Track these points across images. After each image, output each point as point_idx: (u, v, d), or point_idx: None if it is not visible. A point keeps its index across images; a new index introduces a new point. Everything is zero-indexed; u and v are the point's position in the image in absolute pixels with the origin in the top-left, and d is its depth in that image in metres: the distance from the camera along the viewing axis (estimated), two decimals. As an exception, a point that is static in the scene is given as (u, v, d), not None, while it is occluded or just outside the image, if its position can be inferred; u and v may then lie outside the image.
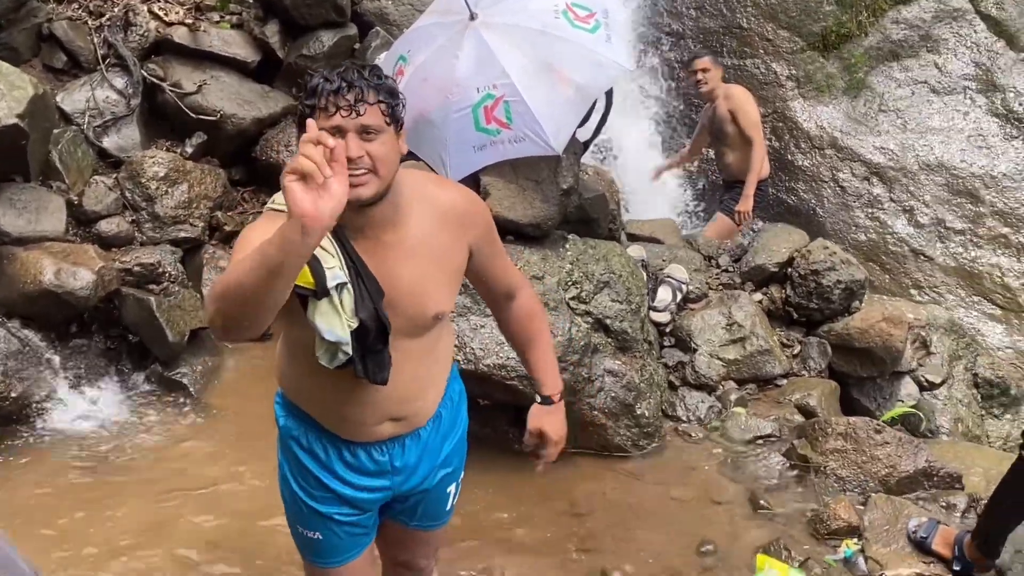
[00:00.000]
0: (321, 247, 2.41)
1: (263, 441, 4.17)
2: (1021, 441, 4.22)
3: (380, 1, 7.11)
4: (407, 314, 2.62)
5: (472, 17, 4.67)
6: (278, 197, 2.51)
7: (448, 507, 3.16)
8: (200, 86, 6.13)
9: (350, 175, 2.24)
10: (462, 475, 3.16)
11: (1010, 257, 7.69)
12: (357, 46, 6.79)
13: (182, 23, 6.26)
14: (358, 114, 2.34)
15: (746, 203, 6.73)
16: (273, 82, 6.64)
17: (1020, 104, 7.94)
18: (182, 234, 5.88)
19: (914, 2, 8.71)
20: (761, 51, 8.94)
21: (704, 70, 6.80)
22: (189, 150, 6.12)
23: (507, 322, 3.07)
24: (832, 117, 8.38)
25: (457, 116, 4.52)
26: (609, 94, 5.04)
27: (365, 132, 2.35)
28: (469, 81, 4.52)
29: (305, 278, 2.40)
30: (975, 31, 8.38)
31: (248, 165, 6.55)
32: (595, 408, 4.85)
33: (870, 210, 7.98)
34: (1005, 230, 7.66)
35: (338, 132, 2.31)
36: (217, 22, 6.46)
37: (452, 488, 3.15)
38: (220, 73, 6.36)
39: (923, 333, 5.50)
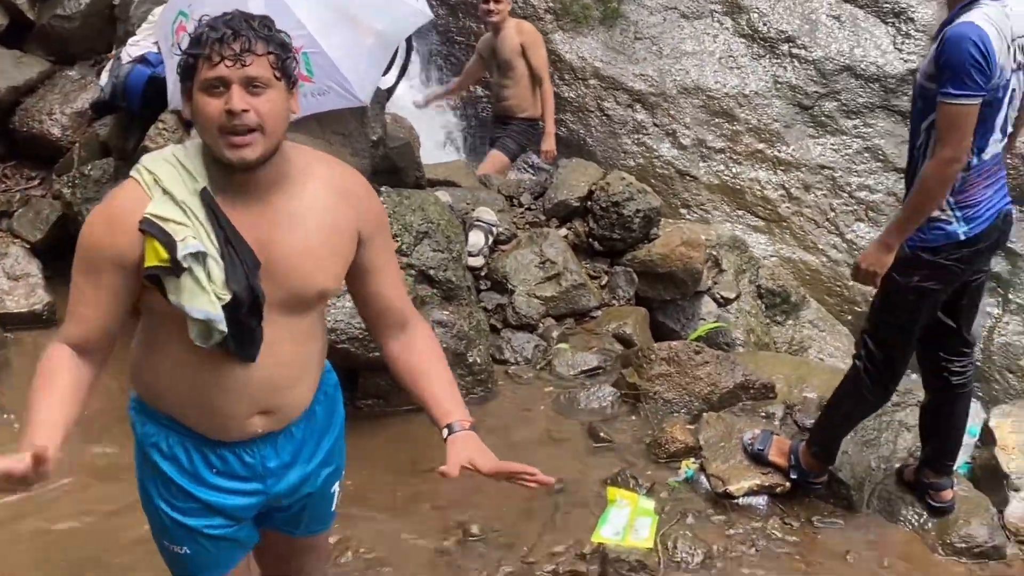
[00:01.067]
0: (171, 219, 2.32)
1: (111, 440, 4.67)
2: (855, 352, 4.47)
3: None
4: (288, 286, 2.43)
5: None
6: (147, 160, 2.41)
7: (332, 508, 2.98)
8: None
9: (234, 133, 2.20)
10: (344, 472, 2.98)
11: (767, 171, 8.05)
12: (116, 1, 6.45)
13: None
14: (244, 64, 2.19)
15: (550, 142, 6.90)
16: (24, 46, 6.28)
17: (764, 24, 8.34)
18: None
19: (657, -72, 7.75)
20: None
21: (497, 0, 6.61)
22: None
23: (397, 358, 2.76)
24: (592, 47, 8.48)
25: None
26: (409, 40, 4.92)
27: (252, 85, 2.19)
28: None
29: (157, 255, 2.26)
30: (717, -47, 7.55)
31: (7, 139, 6.30)
32: None
33: (636, 136, 8.17)
34: (760, 145, 8.01)
35: (222, 84, 2.18)
36: None
37: (336, 487, 2.97)
38: None
39: (715, 252, 5.72)
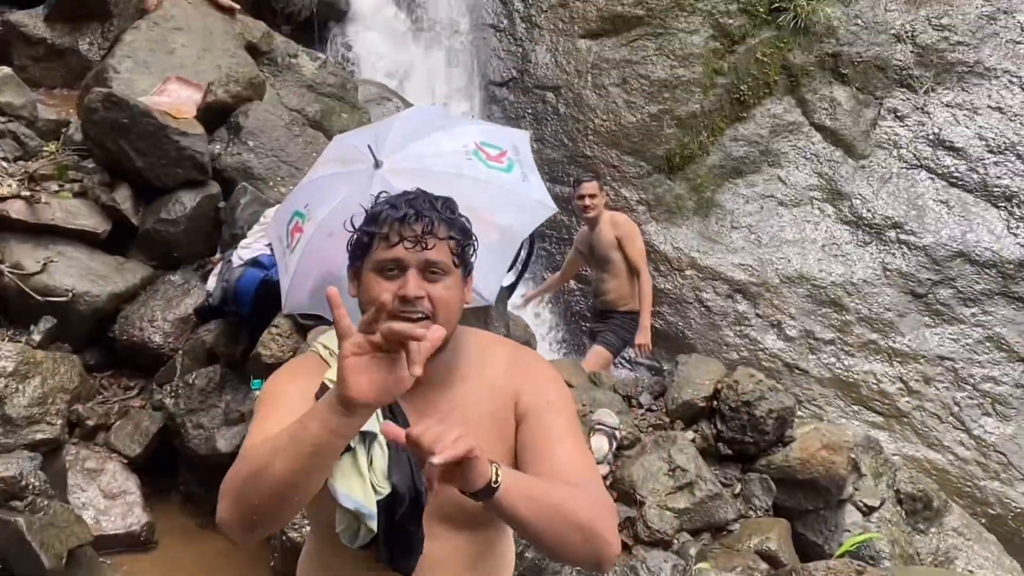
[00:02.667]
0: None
1: None
2: None
3: (242, 155, 6.66)
4: (455, 495, 2.05)
5: (377, 165, 4.19)
6: (323, 337, 2.40)
7: None
8: (45, 264, 5.74)
9: (404, 317, 2.10)
10: None
11: (882, 363, 7.70)
12: (222, 204, 6.35)
13: (17, 196, 5.85)
14: (424, 247, 2.14)
15: (645, 335, 6.75)
16: (128, 252, 6.18)
17: (867, 210, 8.12)
18: (39, 436, 5.28)
19: (750, 119, 8.81)
20: (608, 177, 8.83)
21: (592, 195, 6.72)
22: (37, 337, 5.62)
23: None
24: (687, 238, 8.33)
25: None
26: (532, 236, 4.69)
27: (430, 270, 2.13)
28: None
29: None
30: (812, 142, 8.66)
31: (105, 347, 6.06)
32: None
33: (738, 328, 7.90)
34: (873, 336, 7.70)
35: (398, 267, 2.15)
36: (56, 192, 6.04)
37: None
38: (67, 248, 5.95)
39: (853, 455, 5.34)
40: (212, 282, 5.77)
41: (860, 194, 8.26)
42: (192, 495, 5.83)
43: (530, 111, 9.28)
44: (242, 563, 5.48)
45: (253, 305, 5.48)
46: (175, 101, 6.33)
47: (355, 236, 2.31)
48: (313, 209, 4.35)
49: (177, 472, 5.89)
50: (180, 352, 5.92)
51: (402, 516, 2.18)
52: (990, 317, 7.91)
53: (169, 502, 5.84)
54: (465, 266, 2.18)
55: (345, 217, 4.50)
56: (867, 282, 8.02)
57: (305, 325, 5.20)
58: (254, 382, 5.59)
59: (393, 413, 2.22)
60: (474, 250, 2.30)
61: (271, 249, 5.16)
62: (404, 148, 4.37)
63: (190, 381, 5.69)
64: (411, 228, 2.09)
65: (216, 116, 6.63)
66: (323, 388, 2.20)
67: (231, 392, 5.77)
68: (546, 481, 2.25)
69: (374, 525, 2.13)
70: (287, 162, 6.58)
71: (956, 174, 8.33)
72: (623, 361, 7.83)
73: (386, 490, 2.15)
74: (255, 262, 5.50)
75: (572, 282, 8.28)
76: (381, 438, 2.18)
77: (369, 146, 4.15)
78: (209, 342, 5.86)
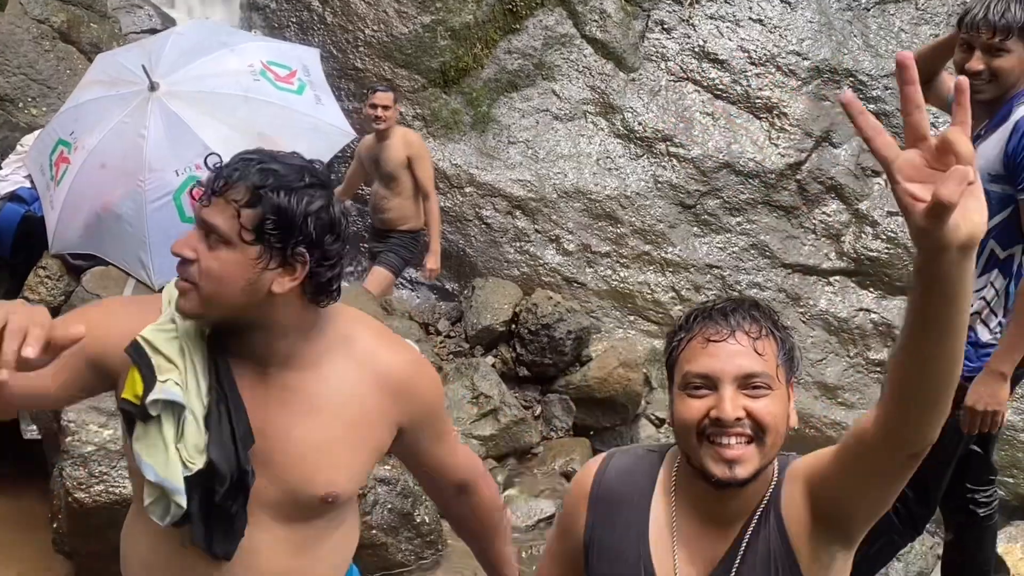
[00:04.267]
0: (164, 352, 2.05)
1: None
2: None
3: None
4: (286, 484, 2.13)
5: (152, 87, 3.99)
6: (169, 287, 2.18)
7: None
8: None
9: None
10: None
11: (656, 273, 7.91)
12: None
13: None
14: (206, 204, 2.00)
15: (436, 260, 6.63)
16: None
17: (639, 123, 8.23)
18: None
19: (523, 31, 8.67)
20: None
21: (385, 107, 6.52)
22: None
23: (459, 518, 2.67)
24: (465, 154, 8.32)
25: (156, 207, 4.07)
26: (328, 164, 4.47)
27: (207, 230, 1.97)
28: (164, 163, 4.12)
29: (133, 388, 2.00)
30: (584, 55, 8.62)
31: None
32: (372, 527, 4.43)
33: (518, 244, 8.03)
34: (647, 247, 7.90)
35: (206, 227, 2.00)
36: None
37: None
38: None
39: (644, 369, 5.46)
40: None
41: (631, 107, 8.32)
42: None
43: (294, 20, 8.97)
44: (15, 523, 5.38)
45: (14, 244, 5.30)
46: None
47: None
48: (80, 137, 4.11)
49: None
50: None
51: (223, 496, 2.01)
52: (754, 225, 8.21)
53: None
54: (265, 243, 1.93)
55: (119, 145, 4.14)
56: (640, 195, 8.12)
57: (76, 266, 4.90)
58: None
59: (220, 382, 2.06)
60: (297, 238, 1.97)
61: (31, 181, 4.75)
62: (183, 68, 4.15)
63: None
64: (231, 180, 1.94)
65: None
66: (132, 344, 2.04)
67: None
68: (500, 541, 2.67)
69: (182, 501, 1.99)
70: (38, 80, 6.38)
71: (720, 86, 8.51)
72: (404, 282, 7.82)
73: (197, 464, 1.99)
74: (14, 196, 5.28)
75: (348, 201, 7.95)
76: (194, 413, 2.02)
77: (143, 66, 3.86)
78: None
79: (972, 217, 1.34)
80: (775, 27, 8.63)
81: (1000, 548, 4.59)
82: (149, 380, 1.96)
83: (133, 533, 2.29)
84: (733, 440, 1.86)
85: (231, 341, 2.07)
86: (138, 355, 1.98)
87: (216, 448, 1.97)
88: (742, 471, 1.86)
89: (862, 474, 1.85)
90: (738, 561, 2.00)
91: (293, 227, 1.92)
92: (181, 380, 2.01)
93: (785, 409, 1.94)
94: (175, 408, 1.96)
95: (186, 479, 1.95)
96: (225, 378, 2.06)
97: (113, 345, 2.01)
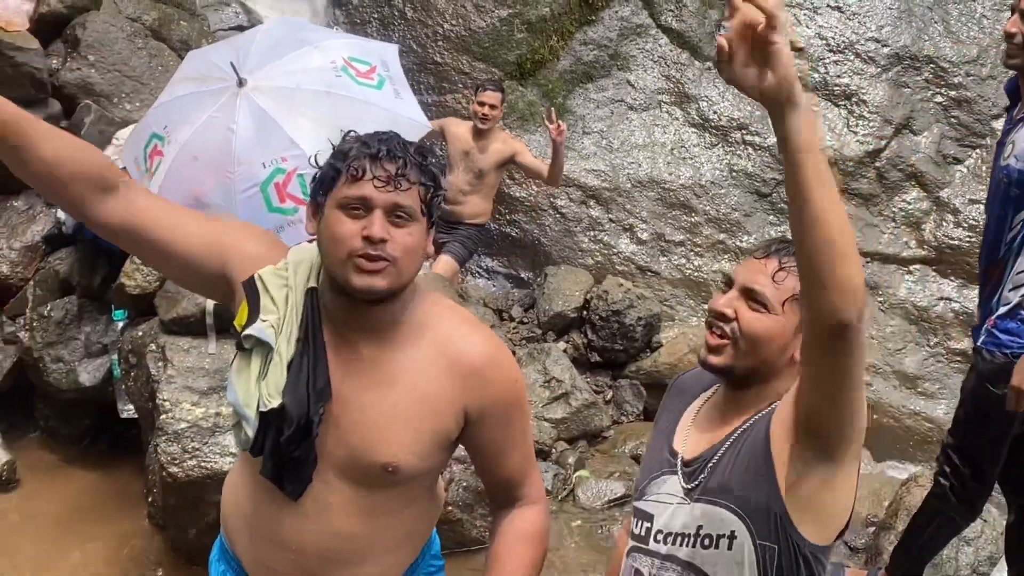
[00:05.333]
0: (272, 295, 2.24)
1: None
2: (936, 469, 4.25)
3: (82, 71, 6.40)
4: (350, 447, 2.21)
5: (241, 83, 4.18)
6: (300, 246, 2.43)
7: None
8: None
9: (365, 257, 2.07)
10: None
11: (730, 262, 7.79)
12: (64, 124, 5.99)
13: None
14: (395, 188, 2.06)
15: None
16: None
17: (714, 112, 8.16)
18: None
19: (598, 22, 8.65)
20: (460, 85, 8.62)
21: (493, 106, 6.38)
22: None
23: (496, 529, 2.52)
24: (540, 144, 8.12)
25: (244, 198, 4.06)
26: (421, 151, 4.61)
27: (396, 214, 2.05)
28: (252, 156, 4.12)
29: (240, 318, 2.21)
30: (659, 45, 8.60)
31: None
32: (448, 503, 4.39)
33: (592, 233, 8.00)
34: (721, 236, 7.87)
35: (363, 205, 2.05)
36: None
37: None
38: None
39: None
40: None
41: (707, 96, 8.29)
42: (53, 431, 5.77)
43: (376, 16, 8.99)
44: (112, 498, 5.39)
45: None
46: (3, 13, 6.06)
47: (320, 170, 2.17)
48: (173, 131, 4.24)
49: (34, 407, 5.76)
50: (31, 283, 5.76)
51: (287, 439, 2.13)
52: (832, 214, 7.54)
53: (27, 439, 5.76)
54: (430, 217, 2.09)
55: (210, 139, 4.34)
56: (714, 183, 8.07)
57: None
58: (116, 312, 5.47)
59: (312, 328, 2.18)
60: (441, 201, 2.18)
61: (128, 173, 4.93)
62: (269, 64, 4.27)
63: (45, 313, 5.52)
64: (383, 167, 2.01)
65: (51, 28, 6.38)
66: (249, 280, 2.22)
67: (91, 324, 5.60)
68: (505, 566, 2.45)
69: (250, 432, 2.13)
70: (132, 77, 6.36)
71: (798, 74, 8.01)
72: (480, 270, 7.90)
73: (273, 403, 2.11)
74: None
75: None
76: (281, 357, 2.15)
77: (232, 63, 4.02)
78: (63, 272, 5.67)
79: (782, 72, 1.60)
80: (854, 14, 8.51)
81: None
82: (252, 316, 2.13)
83: (232, 483, 2.46)
84: (716, 331, 2.25)
85: (333, 306, 2.19)
86: (251, 291, 2.16)
87: (291, 393, 2.08)
88: (716, 358, 2.26)
89: (810, 367, 1.98)
90: (724, 447, 2.25)
91: (441, 193, 2.15)
92: (277, 324, 2.16)
93: (775, 335, 2.25)
94: (265, 347, 2.11)
95: (261, 414, 2.09)
96: (316, 335, 2.17)
97: (247, 269, 2.22)
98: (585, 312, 6.09)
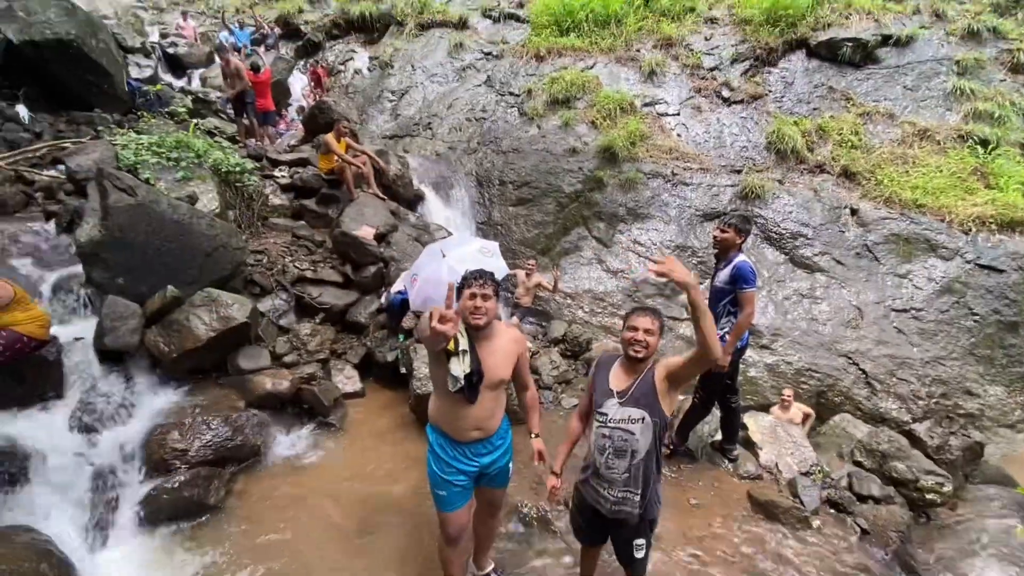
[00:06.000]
0: (459, 336, 2.11)
1: (385, 446, 4.12)
2: (695, 394, 3.93)
3: (392, 249, 6.41)
4: (490, 376, 2.27)
5: (443, 256, 4.61)
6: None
7: (509, 475, 2.65)
8: (320, 294, 5.88)
9: (474, 314, 2.03)
10: (512, 459, 2.70)
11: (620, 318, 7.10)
12: (385, 270, 6.07)
13: (308, 269, 6.67)
14: (484, 287, 2.11)
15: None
16: (351, 287, 5.97)
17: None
18: (318, 358, 5.21)
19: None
20: (521, 260, 7.48)
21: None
22: (317, 321, 5.61)
23: (521, 399, 2.61)
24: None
25: (441, 295, 4.44)
26: (504, 278, 4.96)
27: (484, 297, 2.14)
28: (446, 279, 4.20)
29: (453, 345, 2.16)
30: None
31: (339, 323, 5.63)
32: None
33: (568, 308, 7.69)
34: (617, 317, 7.56)
35: (474, 295, 2.10)
36: (325, 268, 6.24)
37: (510, 465, 2.62)
38: (327, 288, 6.01)
39: None
40: (384, 299, 5.92)
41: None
42: (378, 379, 5.56)
43: (492, 235, 8.17)
44: (396, 403, 5.06)
45: (398, 307, 5.38)
46: (365, 233, 6.58)
47: (459, 284, 2.23)
48: (419, 271, 4.80)
49: (368, 369, 5.63)
50: (371, 325, 5.78)
51: (474, 382, 2.21)
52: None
53: (367, 381, 5.50)
54: (496, 296, 2.24)
55: (432, 275, 4.64)
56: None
57: (417, 312, 5.21)
58: (400, 336, 5.43)
59: (472, 346, 2.19)
60: (500, 290, 2.27)
61: (404, 287, 5.37)
62: (455, 249, 4.76)
63: (379, 337, 5.56)
64: (478, 281, 2.19)
65: (380, 237, 6.72)
66: (456, 337, 2.20)
67: (393, 340, 5.55)
68: (534, 414, 2.47)
69: (461, 383, 2.15)
70: (407, 254, 6.36)
71: None
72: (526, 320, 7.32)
73: (468, 370, 2.15)
74: (399, 292, 5.55)
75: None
76: (467, 354, 2.10)
77: (441, 250, 4.47)
78: (383, 321, 5.81)
79: (685, 282, 1.82)
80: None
81: (746, 420, 4.63)
82: (458, 343, 2.18)
83: (434, 401, 2.43)
84: (638, 347, 2.15)
85: (475, 333, 2.22)
86: (459, 337, 2.22)
87: (472, 366, 2.20)
88: (639, 358, 2.13)
89: (688, 368, 2.14)
90: (634, 384, 2.19)
91: (500, 287, 2.23)
92: (465, 346, 2.21)
93: (656, 347, 2.14)
94: (463, 353, 2.17)
95: (465, 376, 2.15)
96: (472, 343, 2.25)
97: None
98: (563, 340, 6.56)
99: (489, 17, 10.42)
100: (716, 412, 4.30)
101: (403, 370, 5.10)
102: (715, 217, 6.84)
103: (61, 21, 6.64)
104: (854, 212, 6.25)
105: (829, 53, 7.68)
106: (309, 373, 4.74)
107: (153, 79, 9.45)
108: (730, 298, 3.33)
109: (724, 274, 3.36)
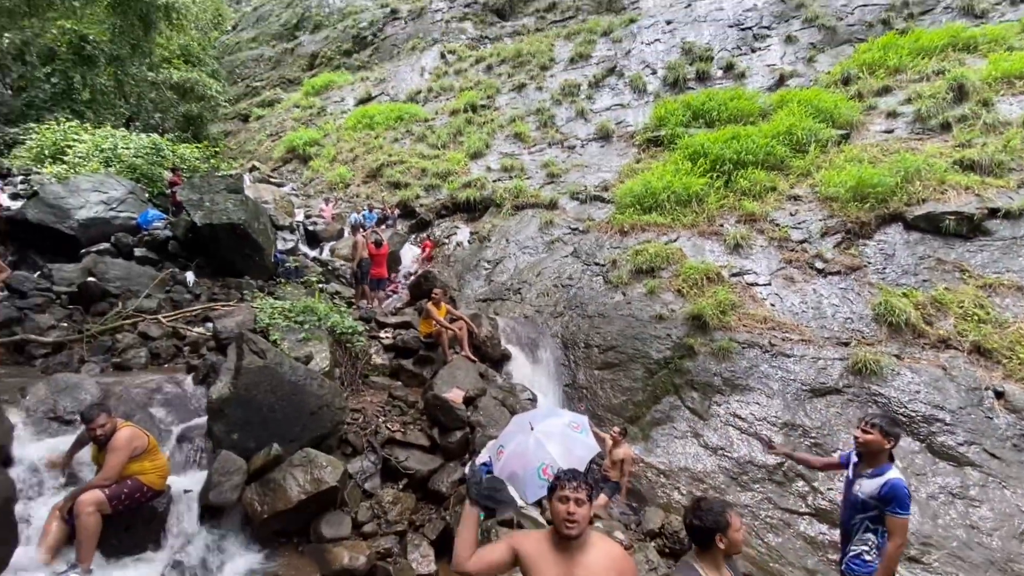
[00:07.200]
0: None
1: None
2: None
3: (479, 414, 6.26)
4: None
5: (531, 428, 4.40)
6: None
7: None
8: (407, 457, 5.72)
9: (569, 522, 1.91)
10: None
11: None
12: (470, 437, 5.97)
13: (398, 430, 6.16)
14: (578, 491, 2.04)
15: None
16: (436, 452, 5.89)
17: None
18: (396, 530, 5.02)
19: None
20: (606, 424, 7.18)
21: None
22: (400, 488, 5.51)
23: None
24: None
25: (530, 473, 4.10)
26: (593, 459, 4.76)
27: (578, 502, 2.05)
28: (535, 457, 4.35)
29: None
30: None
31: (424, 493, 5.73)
32: None
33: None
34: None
35: (567, 499, 1.98)
36: (414, 431, 6.04)
37: None
38: (414, 451, 5.78)
39: None
40: (467, 469, 5.48)
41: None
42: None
43: (577, 398, 8.06)
44: None
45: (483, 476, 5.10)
46: (455, 396, 6.45)
47: (551, 485, 2.19)
48: (506, 443, 4.68)
49: (444, 547, 5.14)
50: (452, 496, 5.38)
51: None
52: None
53: (443, 561, 4.94)
54: (591, 501, 2.19)
55: (519, 447, 4.53)
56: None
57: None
58: (481, 515, 5.04)
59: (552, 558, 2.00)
60: (595, 494, 2.14)
61: (489, 458, 5.08)
62: (543, 421, 4.64)
63: (459, 510, 5.10)
64: (573, 484, 2.16)
65: (468, 401, 6.53)
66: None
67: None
68: None
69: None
70: (493, 419, 6.19)
71: None
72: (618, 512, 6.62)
73: None
74: (484, 464, 5.11)
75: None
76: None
77: (529, 421, 4.41)
78: (464, 493, 5.54)
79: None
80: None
81: None
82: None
83: None
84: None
85: (560, 543, 2.06)
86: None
87: None
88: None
89: None
90: None
91: (593, 491, 2.10)
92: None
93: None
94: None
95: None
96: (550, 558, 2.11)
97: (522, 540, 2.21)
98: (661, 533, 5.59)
99: (577, 199, 11.31)
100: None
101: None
102: (826, 394, 6.27)
103: (235, 209, 8.23)
104: (999, 395, 5.71)
105: (929, 226, 7.42)
106: (386, 548, 4.51)
107: (294, 251, 10.98)
108: (873, 514, 3.01)
109: (871, 486, 3.04)
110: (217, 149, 15.55)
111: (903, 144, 9.10)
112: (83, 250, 7.90)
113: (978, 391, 5.97)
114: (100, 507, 3.65)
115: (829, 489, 5.68)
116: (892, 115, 9.91)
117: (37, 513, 3.68)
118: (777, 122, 10.22)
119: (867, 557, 3.06)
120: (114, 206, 8.57)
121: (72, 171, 10.01)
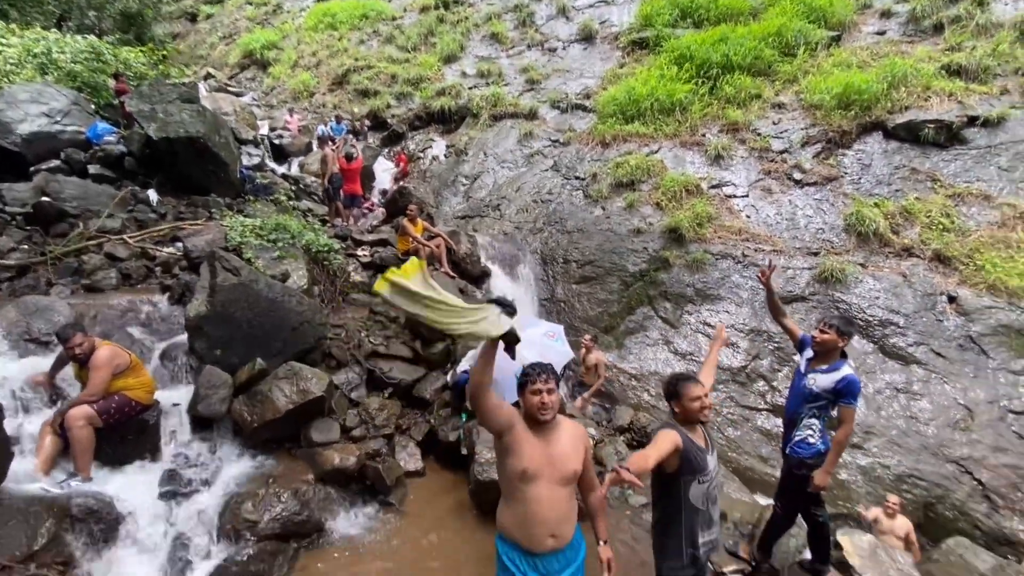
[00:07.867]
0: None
1: (445, 532, 3.99)
2: (773, 502, 3.71)
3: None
4: (563, 467, 2.17)
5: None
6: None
7: None
8: (391, 368, 5.82)
9: (543, 410, 2.03)
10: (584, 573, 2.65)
11: None
12: (452, 347, 5.91)
13: (381, 344, 5.96)
14: (548, 382, 2.11)
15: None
16: (420, 361, 5.91)
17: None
18: (384, 433, 5.14)
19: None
20: (582, 335, 7.03)
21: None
22: (385, 396, 5.58)
23: (586, 502, 2.50)
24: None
25: (508, 378, 4.73)
26: (568, 364, 5.05)
27: (549, 392, 2.14)
28: (513, 369, 4.13)
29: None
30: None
31: (409, 398, 5.64)
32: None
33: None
34: None
35: (539, 391, 2.07)
36: (397, 343, 6.09)
37: None
38: (397, 363, 5.94)
39: None
40: (449, 377, 5.81)
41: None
42: (439, 458, 5.55)
43: (555, 312, 8.28)
44: (455, 488, 4.92)
45: (463, 386, 5.41)
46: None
47: (521, 378, 2.22)
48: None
49: (430, 447, 5.64)
50: (436, 402, 5.66)
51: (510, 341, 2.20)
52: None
53: (428, 459, 5.51)
54: (557, 385, 2.57)
55: (498, 361, 4.67)
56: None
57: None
58: (462, 416, 5.33)
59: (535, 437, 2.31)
60: (566, 371, 2.28)
61: (469, 366, 5.48)
62: (521, 333, 4.67)
63: (442, 415, 5.54)
64: (543, 375, 2.21)
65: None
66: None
67: (455, 419, 5.63)
68: (601, 519, 2.42)
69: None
70: None
71: None
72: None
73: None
74: (464, 372, 5.57)
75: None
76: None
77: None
78: (447, 398, 5.74)
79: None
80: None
81: (840, 537, 4.06)
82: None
83: (502, 507, 2.40)
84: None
85: (543, 425, 2.25)
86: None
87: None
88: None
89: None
90: (708, 437, 2.36)
91: (559, 379, 2.15)
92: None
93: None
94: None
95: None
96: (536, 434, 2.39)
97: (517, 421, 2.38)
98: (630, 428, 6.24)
99: (557, 108, 10.68)
100: (803, 523, 3.99)
101: (464, 451, 4.92)
102: (792, 301, 6.40)
103: (192, 121, 7.55)
104: (952, 300, 5.84)
105: (909, 135, 7.29)
106: (375, 449, 4.71)
107: (260, 166, 10.23)
108: (822, 404, 3.15)
109: (826, 380, 3.16)
110: (164, 53, 13.81)
111: (893, 48, 8.83)
112: (32, 168, 7.28)
113: (933, 296, 6.06)
114: (91, 420, 3.73)
115: (786, 388, 5.86)
116: (886, 15, 9.48)
117: (26, 430, 3.76)
118: (768, 23, 9.71)
119: (811, 440, 3.23)
120: (58, 119, 7.81)
121: (4, 79, 8.90)
